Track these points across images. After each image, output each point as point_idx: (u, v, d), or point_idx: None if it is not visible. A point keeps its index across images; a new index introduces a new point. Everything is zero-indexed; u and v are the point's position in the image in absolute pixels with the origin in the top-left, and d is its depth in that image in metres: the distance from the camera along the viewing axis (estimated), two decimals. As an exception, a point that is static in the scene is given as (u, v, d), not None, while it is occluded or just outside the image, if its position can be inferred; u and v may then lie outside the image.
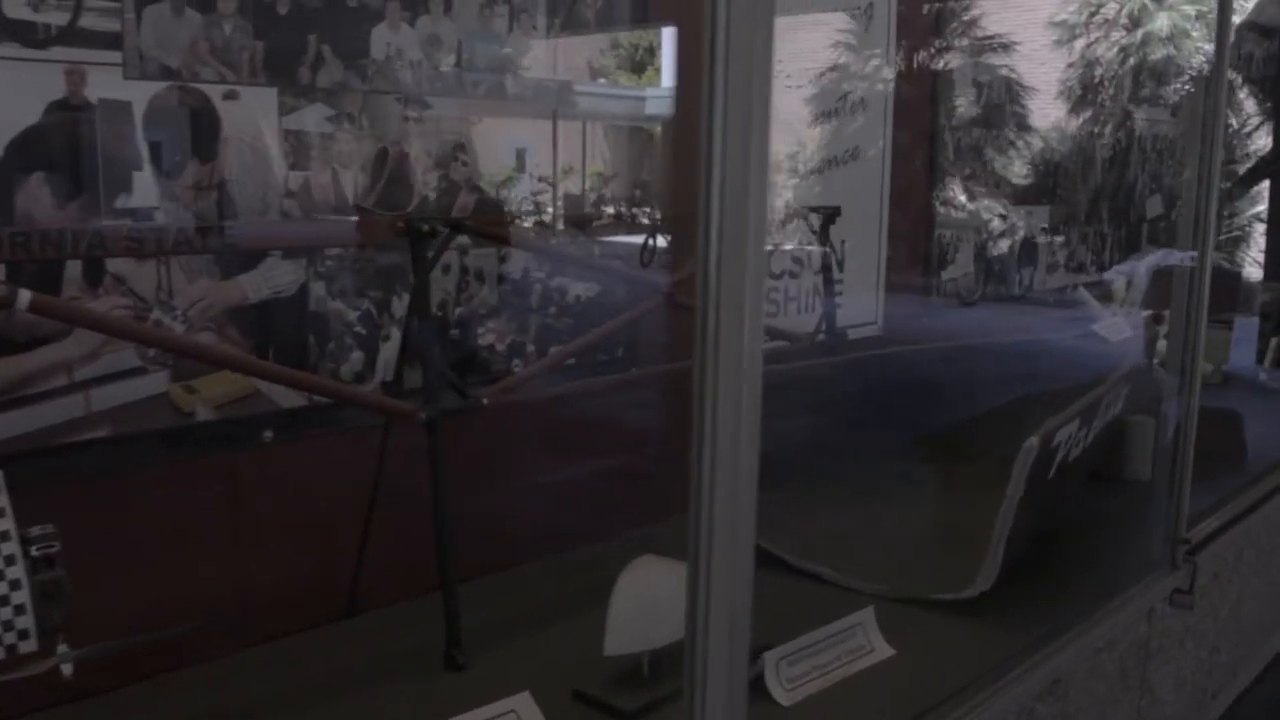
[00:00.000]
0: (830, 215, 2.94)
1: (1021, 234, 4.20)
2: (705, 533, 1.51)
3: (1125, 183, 5.22)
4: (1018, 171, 4.17)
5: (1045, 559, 2.65)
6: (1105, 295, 4.78)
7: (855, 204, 3.48)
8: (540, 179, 2.69)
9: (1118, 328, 3.72)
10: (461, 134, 2.43)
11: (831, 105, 3.30)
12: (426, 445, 2.08)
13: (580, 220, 2.73)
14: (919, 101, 3.84)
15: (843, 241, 3.40)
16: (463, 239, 2.43)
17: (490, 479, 2.47)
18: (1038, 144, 4.57)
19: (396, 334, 2.37)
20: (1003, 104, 3.98)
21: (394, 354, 2.37)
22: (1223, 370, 4.77)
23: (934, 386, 2.97)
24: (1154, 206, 4.95)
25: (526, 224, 2.63)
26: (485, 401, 2.17)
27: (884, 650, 2.22)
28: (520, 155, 2.69)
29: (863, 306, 3.54)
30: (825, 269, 2.98)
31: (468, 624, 2.17)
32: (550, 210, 2.70)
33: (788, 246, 3.12)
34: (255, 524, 2.25)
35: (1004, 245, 4.29)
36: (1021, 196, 4.36)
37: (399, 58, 2.30)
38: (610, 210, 2.82)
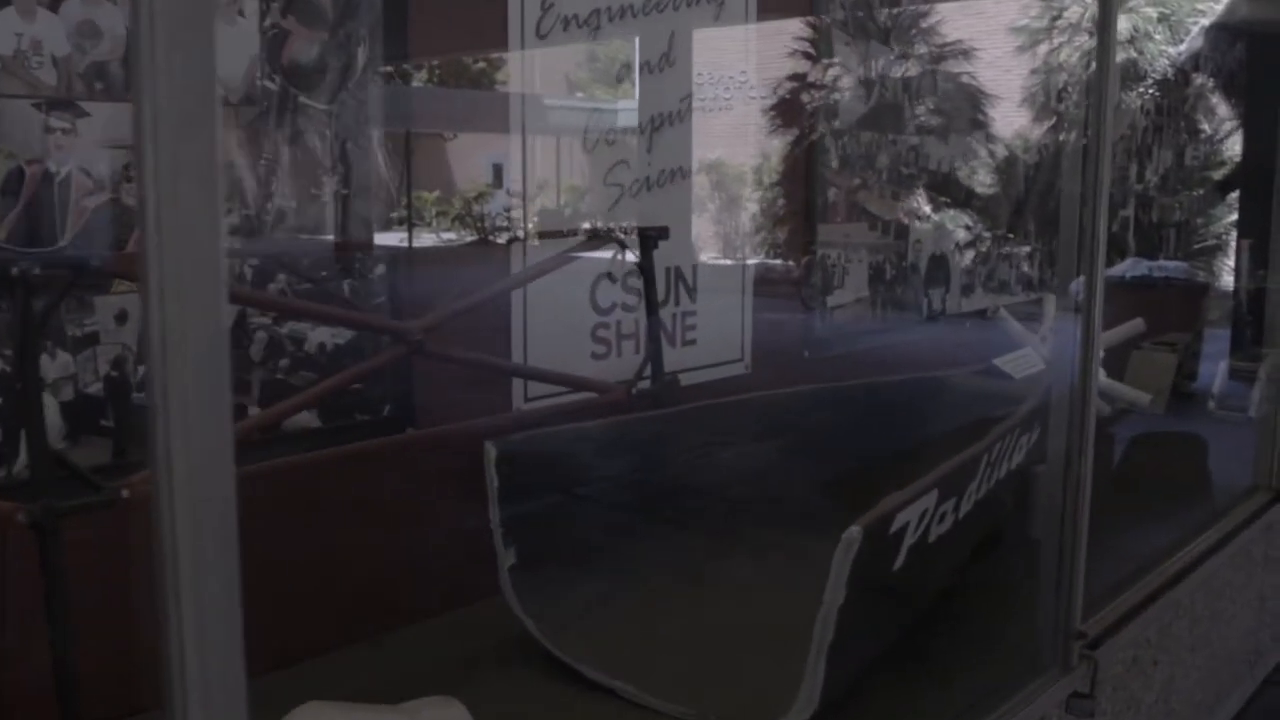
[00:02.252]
0: (652, 237, 2.44)
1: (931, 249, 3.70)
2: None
3: (1056, 191, 4.74)
4: (920, 180, 3.67)
5: (902, 669, 2.14)
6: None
7: (717, 226, 2.98)
8: (511, 194, 2.61)
9: (1026, 361, 3.22)
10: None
11: (673, 106, 2.79)
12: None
13: (553, 235, 2.53)
14: (792, 105, 3.35)
15: (694, 267, 2.90)
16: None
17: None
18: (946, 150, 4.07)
19: (51, 401, 1.86)
20: (900, 104, 3.49)
21: (56, 426, 1.87)
22: (1165, 398, 4.27)
23: (779, 447, 2.47)
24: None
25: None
26: (125, 494, 1.66)
27: (662, 809, 1.71)
28: (497, 171, 2.59)
29: (726, 343, 3.03)
30: (648, 302, 2.46)
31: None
32: (522, 226, 2.62)
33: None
34: None
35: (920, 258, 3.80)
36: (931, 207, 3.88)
37: (36, 52, 1.79)
38: (586, 225, 2.68)
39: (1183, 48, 10.10)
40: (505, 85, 2.77)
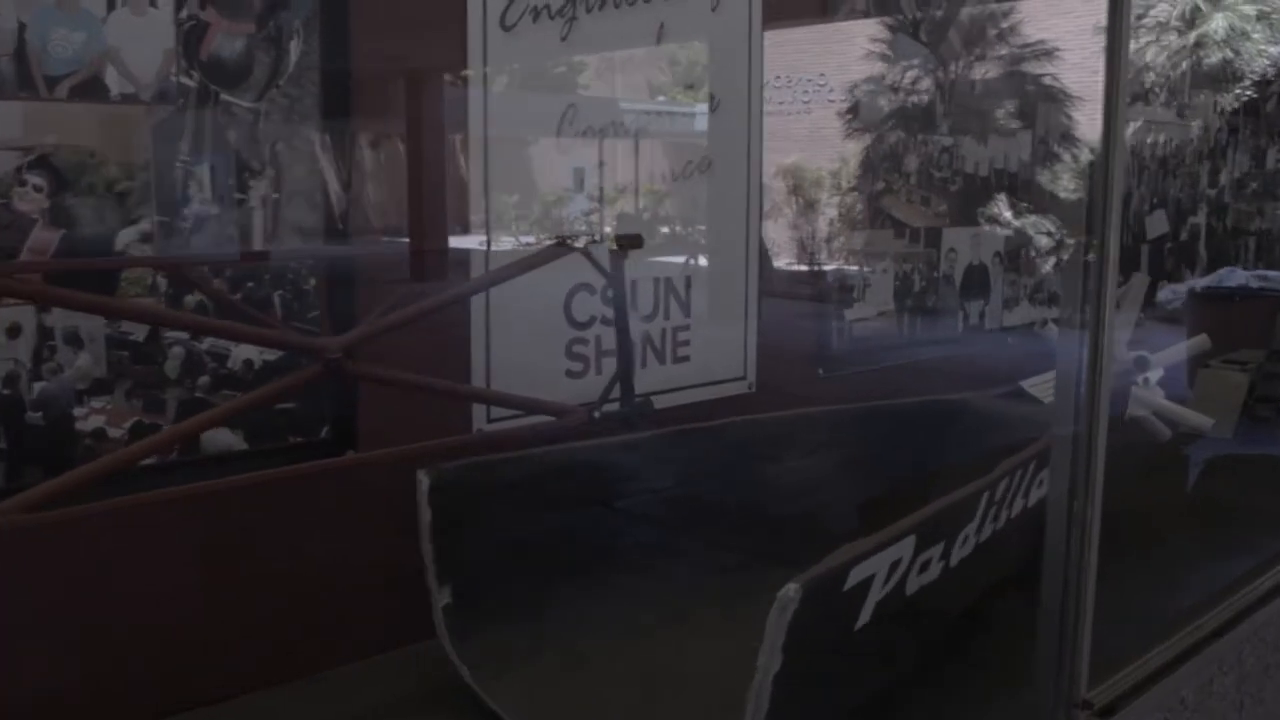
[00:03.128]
0: (624, 245, 2.23)
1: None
2: None
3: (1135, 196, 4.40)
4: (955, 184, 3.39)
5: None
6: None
7: (717, 228, 2.77)
8: (592, 199, 2.62)
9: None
10: (40, 148, 1.78)
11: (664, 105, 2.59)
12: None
13: (633, 241, 2.41)
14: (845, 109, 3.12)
15: (686, 279, 2.69)
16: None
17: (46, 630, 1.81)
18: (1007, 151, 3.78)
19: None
20: (934, 102, 3.22)
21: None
22: (1233, 422, 3.93)
23: (759, 479, 2.25)
24: (1156, 225, 4.11)
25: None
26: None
27: None
28: (579, 175, 2.56)
29: (727, 359, 2.81)
30: (618, 314, 2.25)
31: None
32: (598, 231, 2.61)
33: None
34: None
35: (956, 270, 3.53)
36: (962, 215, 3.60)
37: (-87, 43, 1.66)
38: (665, 230, 2.66)
39: (1285, 46, 9.56)
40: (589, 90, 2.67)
